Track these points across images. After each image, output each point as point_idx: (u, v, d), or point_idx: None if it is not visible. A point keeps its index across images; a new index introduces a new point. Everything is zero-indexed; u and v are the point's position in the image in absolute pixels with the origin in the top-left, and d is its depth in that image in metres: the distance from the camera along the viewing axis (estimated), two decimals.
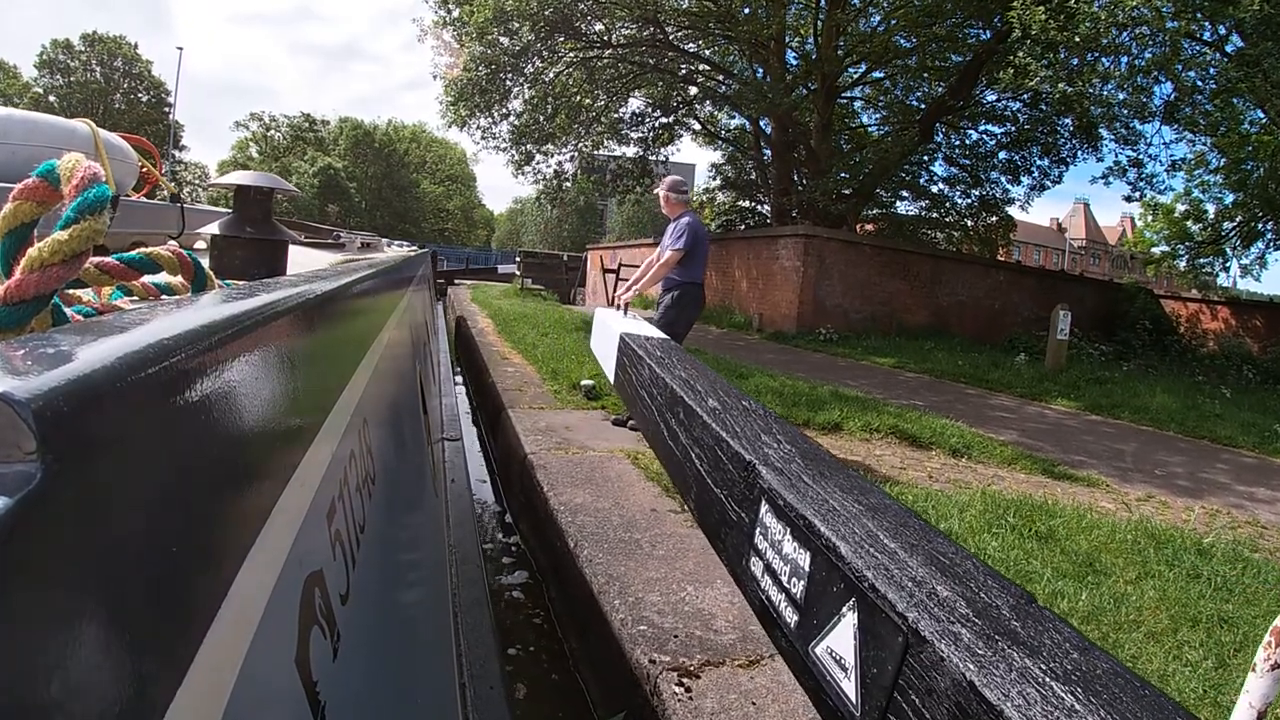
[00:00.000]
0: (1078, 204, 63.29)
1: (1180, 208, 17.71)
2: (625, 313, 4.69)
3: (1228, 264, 18.00)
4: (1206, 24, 9.81)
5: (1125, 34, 8.50)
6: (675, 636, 2.05)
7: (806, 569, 0.95)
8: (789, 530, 1.01)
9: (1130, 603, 3.05)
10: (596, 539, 2.66)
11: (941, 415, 6.14)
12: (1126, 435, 6.77)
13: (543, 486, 3.28)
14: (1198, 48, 10.65)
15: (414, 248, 9.49)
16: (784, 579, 1.01)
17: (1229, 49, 11.17)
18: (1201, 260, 17.93)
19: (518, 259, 24.52)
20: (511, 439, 4.38)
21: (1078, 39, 7.47)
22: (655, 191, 5.02)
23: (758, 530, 1.12)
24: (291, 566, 0.65)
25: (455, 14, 12.95)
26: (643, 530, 2.79)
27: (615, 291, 18.73)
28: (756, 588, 1.11)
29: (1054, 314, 9.31)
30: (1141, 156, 12.27)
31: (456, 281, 23.13)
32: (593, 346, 4.55)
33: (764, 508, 1.09)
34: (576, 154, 16.35)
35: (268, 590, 0.59)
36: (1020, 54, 8.28)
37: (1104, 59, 9.18)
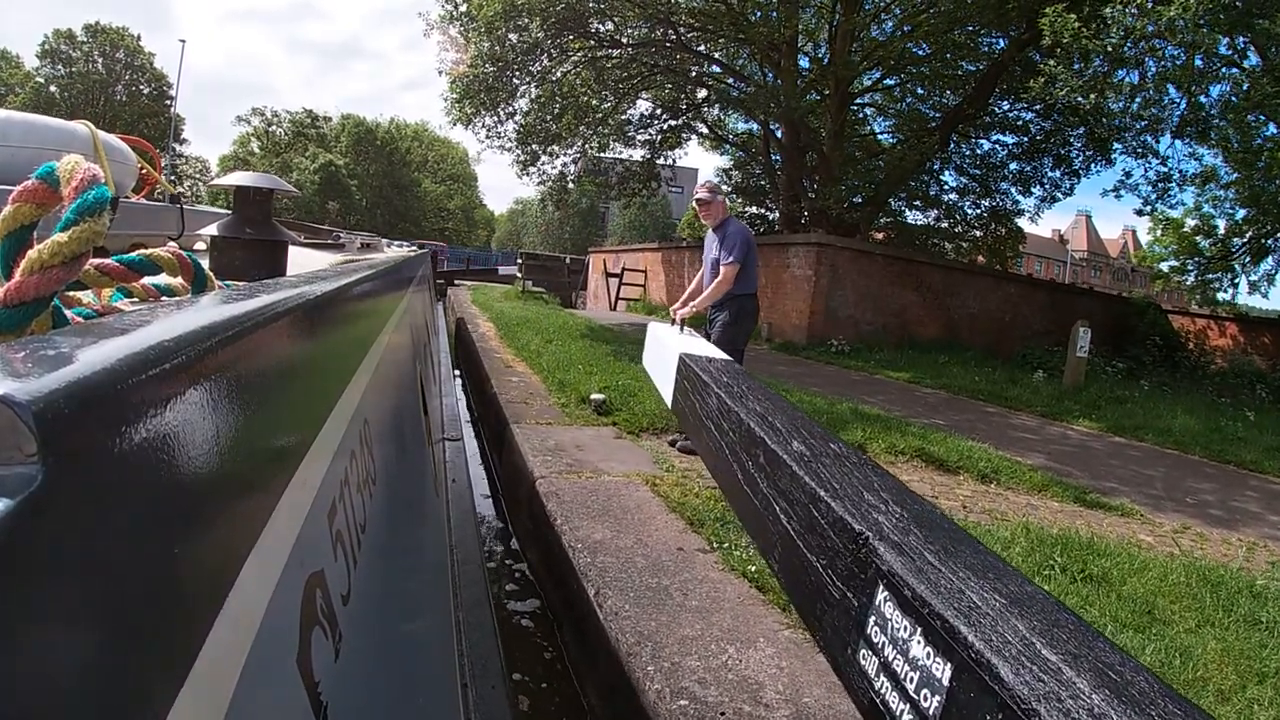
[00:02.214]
0: (1079, 216, 63.43)
1: (1190, 222, 17.52)
2: (681, 329, 4.45)
3: (1236, 280, 17.82)
4: (1223, 39, 9.63)
5: (1138, 47, 8.29)
6: (722, 714, 1.76)
7: (945, 683, 0.79)
8: (920, 630, 0.83)
9: (1195, 656, 2.85)
10: (620, 586, 2.38)
11: (965, 436, 5.92)
12: (1152, 459, 6.59)
13: (555, 518, 2.99)
14: (1214, 62, 10.47)
15: (414, 247, 9.30)
16: (910, 687, 0.85)
17: (1246, 65, 11.04)
18: (1210, 276, 17.73)
19: (519, 261, 24.27)
20: (518, 458, 4.09)
21: (1109, 48, 7.23)
22: (699, 197, 4.59)
23: (871, 618, 0.95)
24: (293, 567, 0.64)
25: (463, 8, 12.66)
26: (671, 575, 2.50)
27: (617, 295, 18.67)
28: (868, 687, 0.94)
29: (1074, 330, 9.06)
30: (1171, 170, 12.07)
31: (456, 282, 22.82)
32: (645, 365, 4.31)
33: (882, 594, 0.92)
34: (582, 155, 16.07)
35: (269, 590, 0.58)
36: (1051, 63, 8.03)
37: (1118, 71, 8.99)
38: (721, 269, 4.40)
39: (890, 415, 6.31)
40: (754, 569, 2.60)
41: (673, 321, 4.39)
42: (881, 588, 0.94)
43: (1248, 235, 16.18)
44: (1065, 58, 7.88)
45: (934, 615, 0.81)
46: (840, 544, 1.05)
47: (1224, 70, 10.96)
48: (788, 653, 2.10)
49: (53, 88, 44.42)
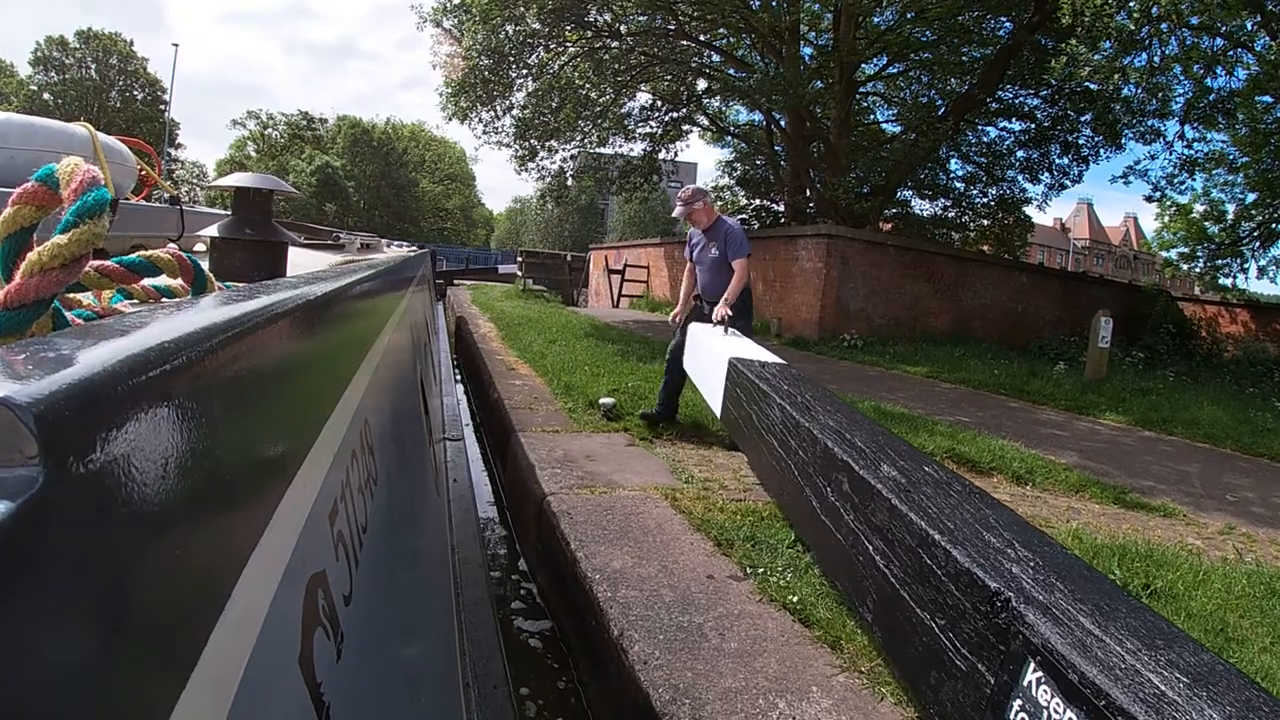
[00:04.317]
0: (1081, 204, 63.21)
1: (1199, 208, 17.26)
2: (726, 331, 4.15)
3: (1245, 265, 17.57)
4: (1238, 19, 9.35)
5: (1156, 26, 8.03)
6: None
7: None
8: None
9: (1277, 679, 2.57)
10: (647, 626, 2.08)
11: (993, 434, 5.66)
12: (1186, 454, 6.35)
13: (570, 543, 2.70)
14: (1225, 44, 10.21)
15: (414, 247, 9.13)
16: None
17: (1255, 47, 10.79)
18: (1220, 262, 17.48)
19: (519, 259, 24.00)
20: (524, 471, 3.80)
21: (1132, 25, 6.93)
22: (694, 205, 4.55)
23: (1016, 702, 0.79)
24: (294, 568, 0.64)
25: (456, 0, 12.31)
26: (703, 610, 2.21)
27: (620, 292, 18.37)
28: None
29: (1095, 321, 8.76)
30: (1195, 154, 11.85)
31: (456, 282, 22.50)
32: (688, 369, 4.02)
33: (1033, 673, 0.76)
34: (581, 150, 15.75)
35: (271, 592, 0.58)
36: (1072, 42, 7.71)
37: (1130, 54, 8.72)
38: (735, 263, 4.40)
39: (914, 414, 6.03)
40: (795, 599, 2.31)
41: (717, 322, 4.19)
42: (1033, 665, 0.78)
43: (1257, 220, 15.91)
44: (1086, 37, 7.56)
45: (1116, 709, 0.66)
46: (967, 603, 0.88)
47: (1232, 53, 10.71)
48: (846, 704, 1.81)
49: (46, 95, 44.16)
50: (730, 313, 4.21)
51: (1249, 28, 9.92)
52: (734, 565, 2.58)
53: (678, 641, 2.00)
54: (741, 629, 2.10)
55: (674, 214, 4.66)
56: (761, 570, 2.54)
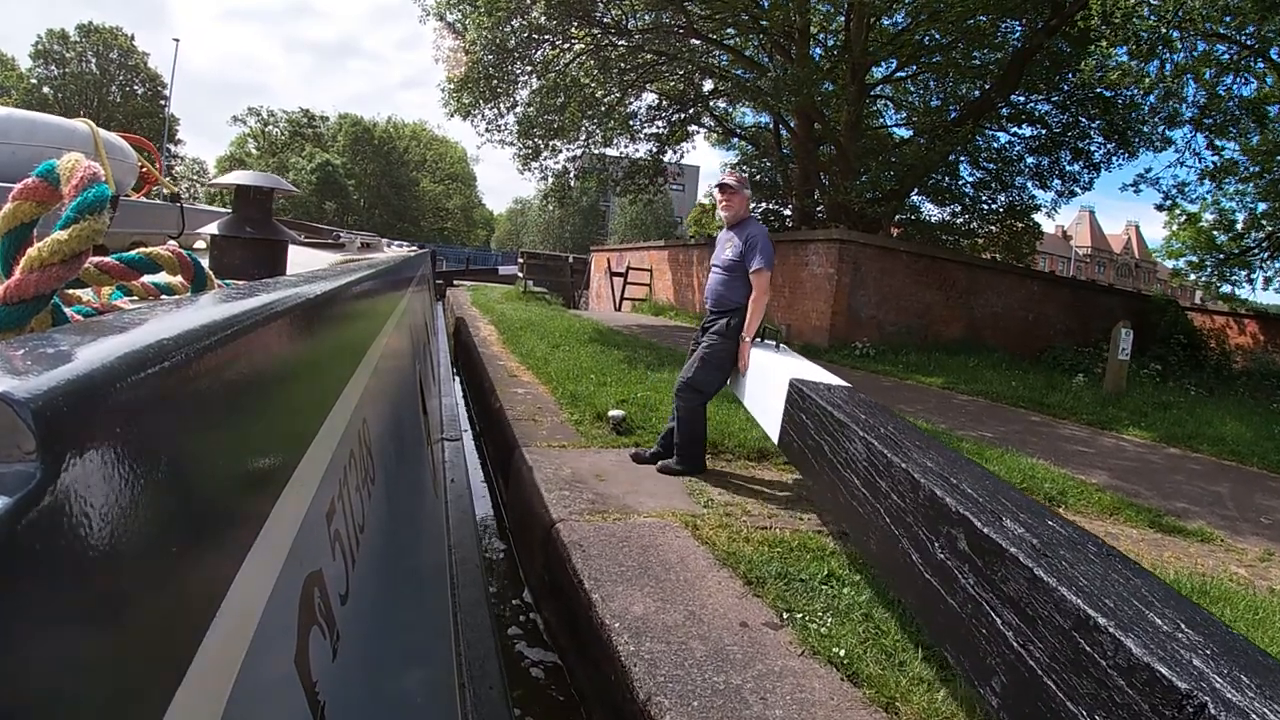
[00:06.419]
0: (1083, 211, 63.23)
1: (1208, 217, 17.10)
2: (778, 346, 3.87)
3: (1253, 275, 17.41)
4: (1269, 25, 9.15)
5: (1184, 31, 7.82)
6: None
7: None
8: None
9: None
10: (679, 690, 1.81)
11: (1018, 450, 5.41)
12: (1214, 473, 6.16)
13: (583, 580, 2.42)
14: (1236, 50, 10.03)
15: (414, 247, 8.96)
16: None
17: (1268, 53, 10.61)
18: (1227, 271, 17.31)
19: (520, 260, 23.75)
20: (529, 490, 3.53)
21: (1163, 28, 6.70)
22: (725, 181, 3.97)
23: None
24: (291, 566, 0.63)
25: None
26: (740, 668, 1.94)
27: (622, 295, 18.12)
28: None
29: (1115, 332, 8.50)
30: (1225, 161, 11.68)
31: (456, 282, 22.21)
32: (739, 392, 3.69)
33: None
34: (585, 150, 15.49)
35: (267, 590, 0.57)
36: (1103, 44, 7.48)
37: (1143, 61, 8.53)
38: (753, 275, 3.80)
39: (938, 429, 5.76)
40: (840, 652, 2.05)
41: (761, 338, 3.86)
42: None
43: (1267, 230, 15.72)
44: (1115, 39, 7.33)
45: None
46: (1144, 703, 0.74)
47: (1254, 62, 10.54)
48: None
49: (46, 89, 43.92)
50: (748, 360, 3.67)
51: (1273, 34, 9.72)
52: (768, 609, 2.31)
53: (715, 709, 1.73)
54: (785, 691, 1.83)
55: (721, 179, 4.01)
56: (800, 615, 2.27)
